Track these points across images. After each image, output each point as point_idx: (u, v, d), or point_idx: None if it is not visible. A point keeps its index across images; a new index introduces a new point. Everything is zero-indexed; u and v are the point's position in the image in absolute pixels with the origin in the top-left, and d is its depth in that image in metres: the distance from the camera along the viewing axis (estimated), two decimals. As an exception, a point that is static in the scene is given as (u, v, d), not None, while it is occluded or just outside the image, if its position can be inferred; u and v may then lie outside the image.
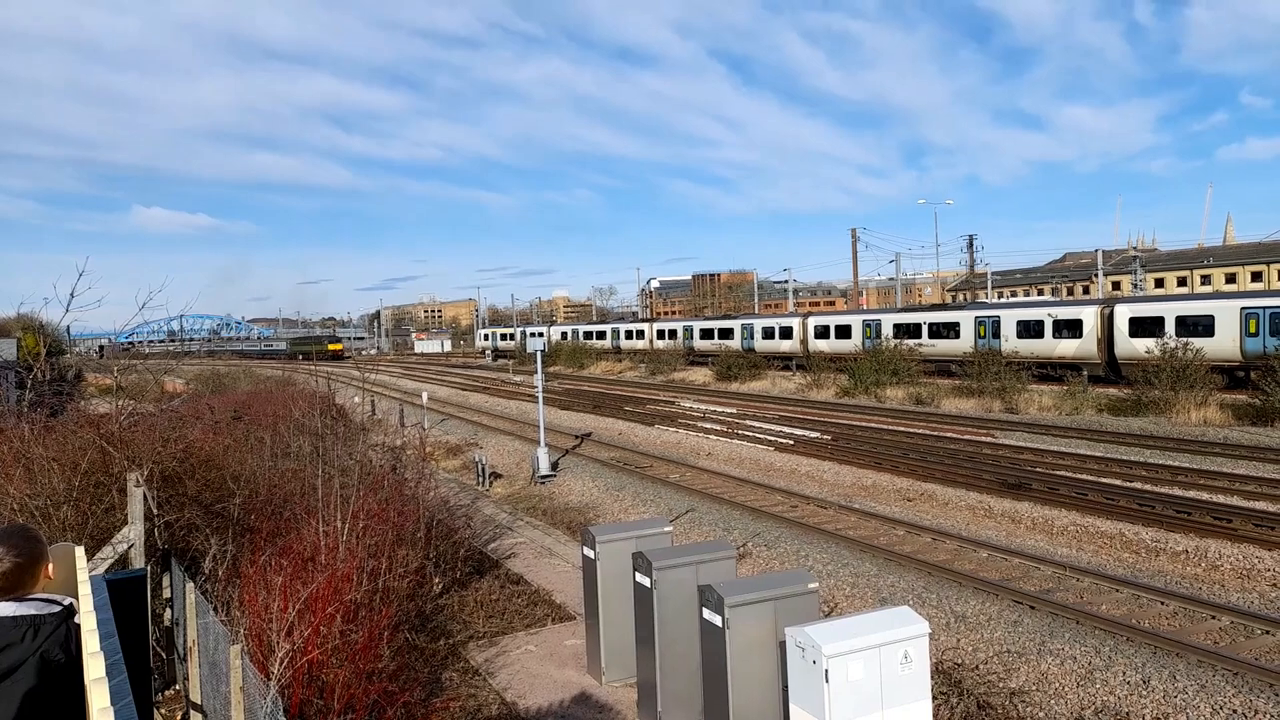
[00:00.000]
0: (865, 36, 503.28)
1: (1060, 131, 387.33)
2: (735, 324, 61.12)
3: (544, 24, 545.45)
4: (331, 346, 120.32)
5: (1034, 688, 9.61)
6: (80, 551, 3.84)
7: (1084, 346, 37.16)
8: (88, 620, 3.03)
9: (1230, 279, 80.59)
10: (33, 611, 3.03)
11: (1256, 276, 79.02)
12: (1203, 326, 32.70)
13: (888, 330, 46.12)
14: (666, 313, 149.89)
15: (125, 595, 4.73)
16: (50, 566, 3.26)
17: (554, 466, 23.68)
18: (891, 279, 77.25)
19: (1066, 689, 9.50)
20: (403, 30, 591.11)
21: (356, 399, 37.19)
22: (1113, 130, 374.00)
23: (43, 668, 2.96)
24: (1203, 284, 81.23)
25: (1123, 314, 35.91)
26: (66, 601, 3.15)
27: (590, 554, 9.73)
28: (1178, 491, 17.27)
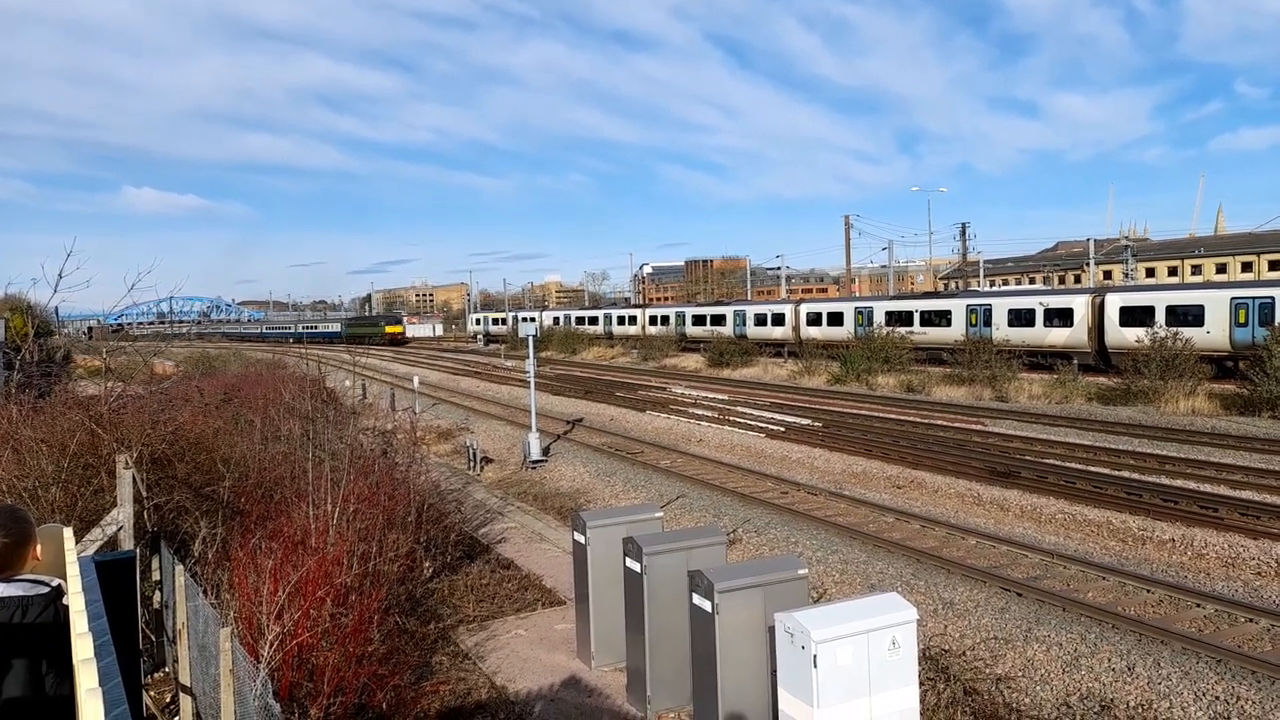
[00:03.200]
0: (862, 22, 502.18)
1: (1055, 120, 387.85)
2: (727, 310, 61.10)
3: (540, 6, 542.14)
4: (390, 329, 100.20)
5: (1020, 674, 9.69)
6: (69, 533, 3.82)
7: (1075, 335, 37.29)
8: (76, 601, 3.02)
9: (1221, 269, 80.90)
10: (21, 592, 3.02)
11: (1247, 267, 79.36)
12: (1192, 316, 32.84)
13: (880, 318, 46.17)
14: (659, 299, 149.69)
15: (114, 577, 4.72)
16: (39, 547, 3.25)
17: (545, 452, 23.69)
18: (884, 266, 77.33)
19: (1052, 675, 9.58)
20: (397, 11, 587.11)
21: (347, 383, 37.07)
22: (1107, 119, 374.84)
23: (30, 648, 2.95)
24: (1193, 274, 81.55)
25: (1113, 303, 36.02)
26: (55, 583, 3.14)
27: (581, 539, 9.75)
28: (1165, 480, 17.38)
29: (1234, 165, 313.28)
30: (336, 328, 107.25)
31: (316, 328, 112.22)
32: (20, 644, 2.94)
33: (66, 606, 3.10)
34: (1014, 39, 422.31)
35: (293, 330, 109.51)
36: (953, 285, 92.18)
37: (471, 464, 23.39)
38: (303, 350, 43.42)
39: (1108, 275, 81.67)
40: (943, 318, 43.75)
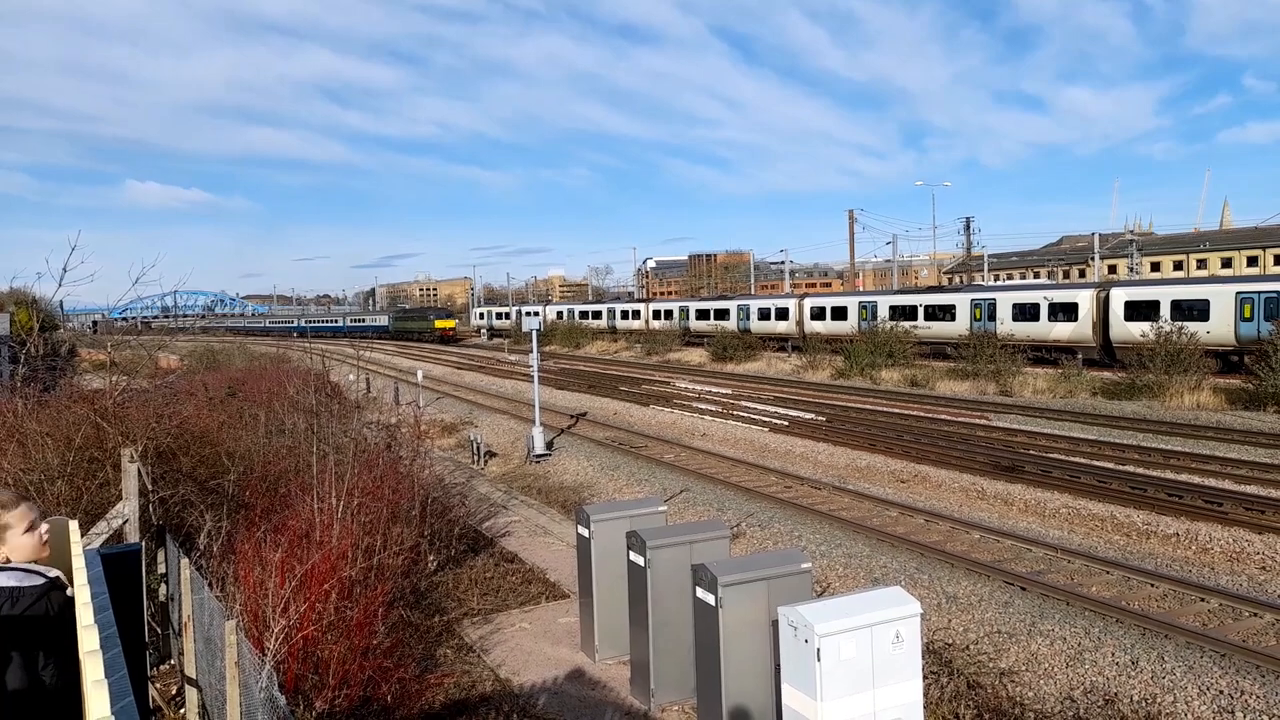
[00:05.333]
0: (868, 15, 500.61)
1: (1061, 114, 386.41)
2: (731, 305, 61.02)
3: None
4: (440, 325, 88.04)
5: (1024, 668, 9.69)
6: (75, 526, 3.83)
7: (1079, 330, 37.21)
8: (82, 594, 3.02)
9: (1226, 263, 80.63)
10: (13, 583, 2.97)
11: (1252, 261, 79.08)
12: (1198, 311, 32.74)
13: (883, 312, 46.09)
14: (663, 293, 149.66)
15: (120, 570, 4.73)
16: (13, 531, 3.16)
17: (549, 446, 23.71)
18: (888, 261, 77.21)
19: (1056, 669, 9.58)
20: (402, 4, 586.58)
21: (351, 376, 37.13)
22: (1114, 113, 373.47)
23: (22, 640, 2.92)
24: (1198, 268, 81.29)
25: (1118, 297, 35.93)
26: (52, 574, 3.08)
27: (585, 533, 9.75)
28: (1170, 475, 17.36)
29: (1241, 159, 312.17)
30: (383, 321, 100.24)
31: (364, 321, 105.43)
32: (11, 635, 2.90)
33: (66, 598, 3.07)
34: (1020, 32, 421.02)
35: (341, 325, 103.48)
36: (957, 280, 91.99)
37: (475, 458, 23.42)
38: (307, 344, 43.46)
39: (1112, 270, 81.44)
40: (947, 312, 43.67)
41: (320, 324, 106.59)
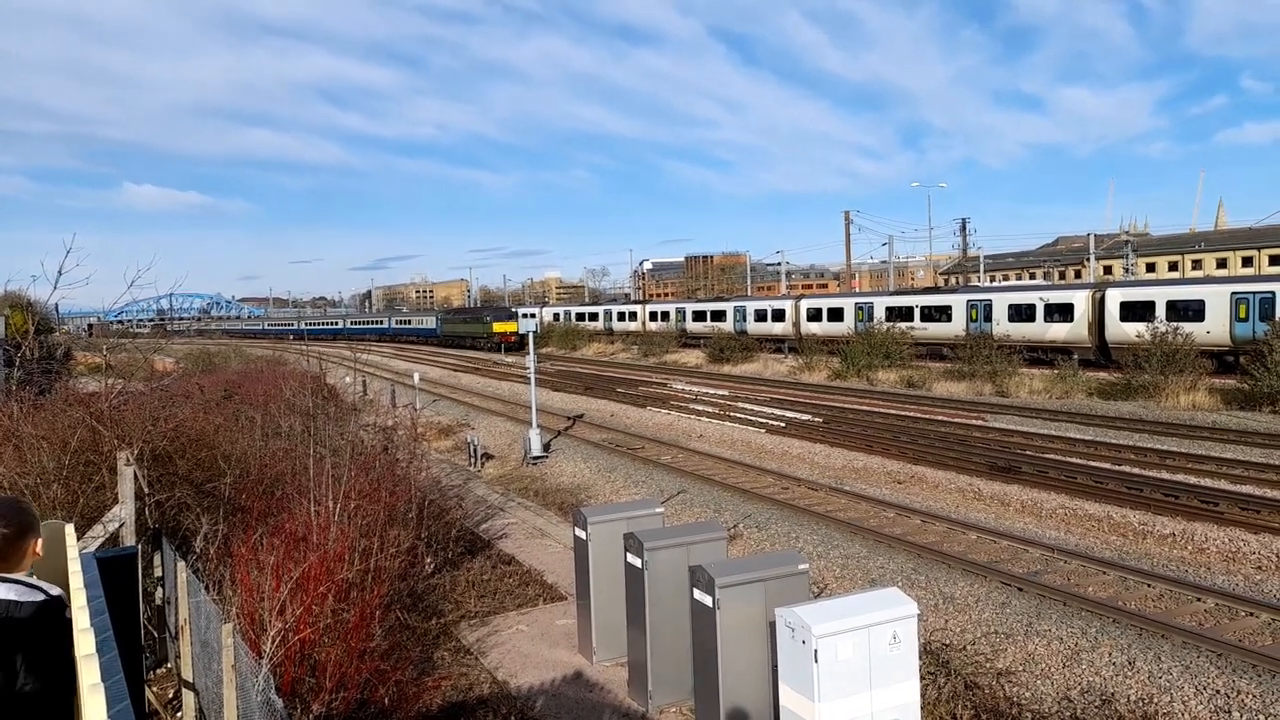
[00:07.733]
0: (867, 16, 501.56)
1: (1059, 114, 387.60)
2: (728, 306, 61.05)
3: (542, 0, 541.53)
4: (499, 328, 70.21)
5: (1021, 668, 9.70)
6: (70, 530, 3.82)
7: (1075, 330, 37.28)
8: (77, 597, 3.01)
9: (1221, 264, 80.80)
10: (13, 596, 2.91)
11: (1247, 262, 79.27)
12: (1193, 311, 32.82)
13: (880, 313, 46.15)
14: (659, 295, 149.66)
15: (116, 573, 4.72)
16: (39, 543, 3.15)
17: (546, 448, 23.70)
18: (884, 262, 77.33)
19: (1053, 669, 9.59)
20: (398, 5, 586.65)
21: (347, 379, 37.07)
22: (1111, 113, 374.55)
23: (16, 653, 2.85)
24: (1194, 269, 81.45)
25: (1114, 298, 36.00)
26: (55, 591, 3.01)
27: (582, 535, 9.75)
28: (1166, 475, 17.39)
29: (1237, 160, 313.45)
30: (430, 324, 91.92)
31: (410, 323, 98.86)
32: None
33: (65, 619, 2.99)
34: (1019, 32, 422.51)
35: (386, 326, 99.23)
36: (953, 280, 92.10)
37: (472, 460, 23.39)
38: (304, 347, 43.39)
39: (1108, 271, 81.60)
40: (943, 313, 43.73)
41: (365, 326, 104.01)
